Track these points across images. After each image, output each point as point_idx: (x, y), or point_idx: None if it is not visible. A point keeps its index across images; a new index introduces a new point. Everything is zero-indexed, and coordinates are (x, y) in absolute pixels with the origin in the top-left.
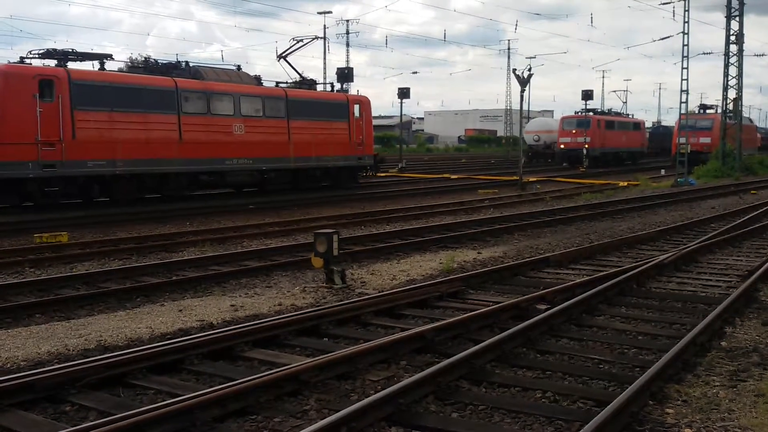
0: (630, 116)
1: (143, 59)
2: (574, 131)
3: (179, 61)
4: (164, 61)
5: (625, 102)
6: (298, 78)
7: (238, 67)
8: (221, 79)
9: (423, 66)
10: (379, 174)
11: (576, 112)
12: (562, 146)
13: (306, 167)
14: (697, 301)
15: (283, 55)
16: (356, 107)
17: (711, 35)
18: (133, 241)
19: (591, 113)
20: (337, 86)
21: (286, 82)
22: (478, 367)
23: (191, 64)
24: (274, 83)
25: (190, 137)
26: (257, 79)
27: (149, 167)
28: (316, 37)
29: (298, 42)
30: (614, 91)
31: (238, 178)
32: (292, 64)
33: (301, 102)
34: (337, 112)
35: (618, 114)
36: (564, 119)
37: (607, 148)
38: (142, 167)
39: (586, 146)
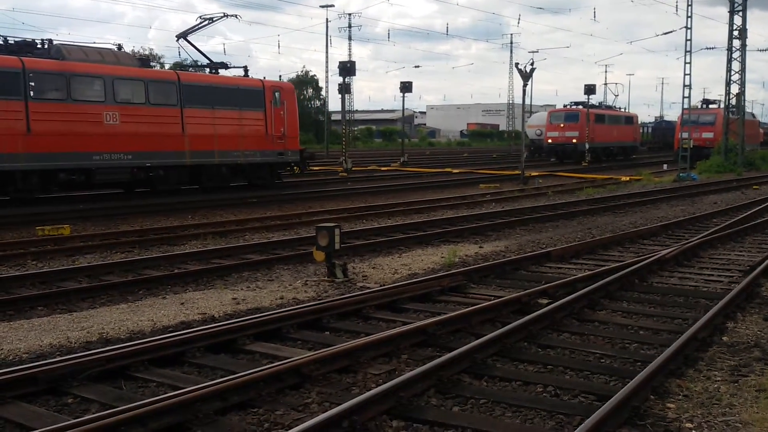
0: (622, 110)
1: None
2: (562, 125)
3: (42, 40)
4: (18, 39)
5: (617, 95)
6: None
7: (119, 47)
8: (90, 60)
9: (425, 60)
10: (312, 168)
11: (565, 105)
12: (549, 140)
13: (207, 163)
14: (698, 296)
15: (183, 34)
16: (276, 95)
17: (714, 30)
18: (135, 234)
19: (580, 106)
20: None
21: (192, 66)
22: (479, 361)
23: (56, 43)
24: (177, 67)
25: (42, 128)
26: (142, 61)
27: None
28: (225, 15)
29: (205, 21)
30: (605, 84)
31: (113, 176)
32: (195, 44)
33: (199, 87)
34: (249, 100)
35: (609, 107)
36: (551, 113)
37: (596, 143)
38: None
39: (574, 140)
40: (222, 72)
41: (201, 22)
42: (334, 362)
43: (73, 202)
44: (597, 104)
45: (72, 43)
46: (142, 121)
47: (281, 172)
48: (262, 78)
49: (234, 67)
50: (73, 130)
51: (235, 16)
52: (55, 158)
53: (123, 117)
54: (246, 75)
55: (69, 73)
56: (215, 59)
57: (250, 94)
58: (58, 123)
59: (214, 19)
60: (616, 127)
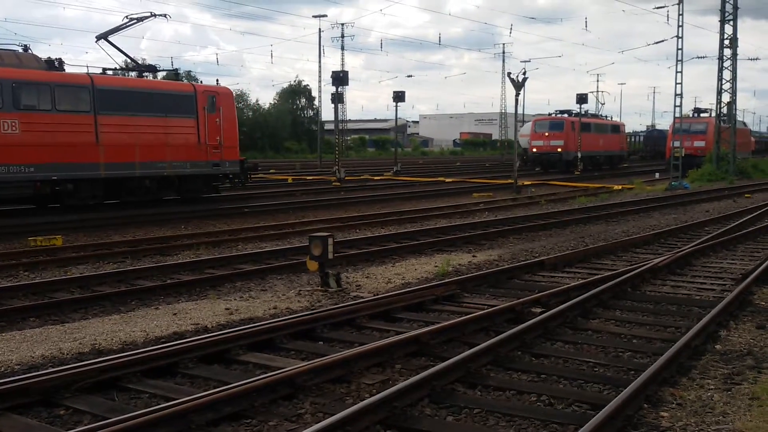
0: (609, 118)
1: None
2: (546, 134)
3: None
4: None
5: (603, 103)
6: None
7: (25, 48)
8: None
9: (418, 69)
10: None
11: (549, 114)
12: (534, 150)
13: (126, 176)
14: (691, 304)
15: (104, 35)
16: (211, 100)
17: (705, 39)
18: (128, 245)
19: (565, 114)
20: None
21: (118, 68)
22: (473, 370)
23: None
24: (109, 71)
25: None
26: (51, 64)
27: None
28: (153, 15)
29: (132, 21)
30: (592, 92)
31: (11, 190)
32: (118, 45)
33: (116, 92)
34: (178, 106)
35: (595, 116)
36: (536, 121)
37: (582, 152)
38: None
39: (559, 149)
40: (184, 77)
41: (127, 22)
42: (328, 372)
43: (66, 213)
44: (584, 113)
45: None
46: (47, 129)
47: (218, 185)
48: (194, 82)
49: (163, 70)
50: None
51: (164, 15)
52: None
53: (24, 125)
54: (177, 78)
55: None
56: (208, 70)
57: (179, 100)
58: None
59: (142, 19)
60: (602, 135)
